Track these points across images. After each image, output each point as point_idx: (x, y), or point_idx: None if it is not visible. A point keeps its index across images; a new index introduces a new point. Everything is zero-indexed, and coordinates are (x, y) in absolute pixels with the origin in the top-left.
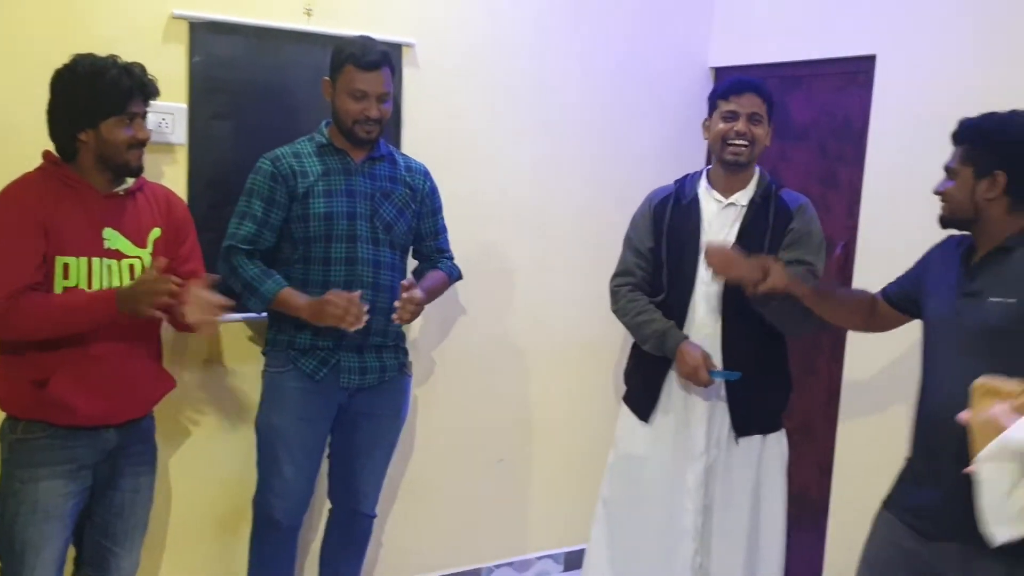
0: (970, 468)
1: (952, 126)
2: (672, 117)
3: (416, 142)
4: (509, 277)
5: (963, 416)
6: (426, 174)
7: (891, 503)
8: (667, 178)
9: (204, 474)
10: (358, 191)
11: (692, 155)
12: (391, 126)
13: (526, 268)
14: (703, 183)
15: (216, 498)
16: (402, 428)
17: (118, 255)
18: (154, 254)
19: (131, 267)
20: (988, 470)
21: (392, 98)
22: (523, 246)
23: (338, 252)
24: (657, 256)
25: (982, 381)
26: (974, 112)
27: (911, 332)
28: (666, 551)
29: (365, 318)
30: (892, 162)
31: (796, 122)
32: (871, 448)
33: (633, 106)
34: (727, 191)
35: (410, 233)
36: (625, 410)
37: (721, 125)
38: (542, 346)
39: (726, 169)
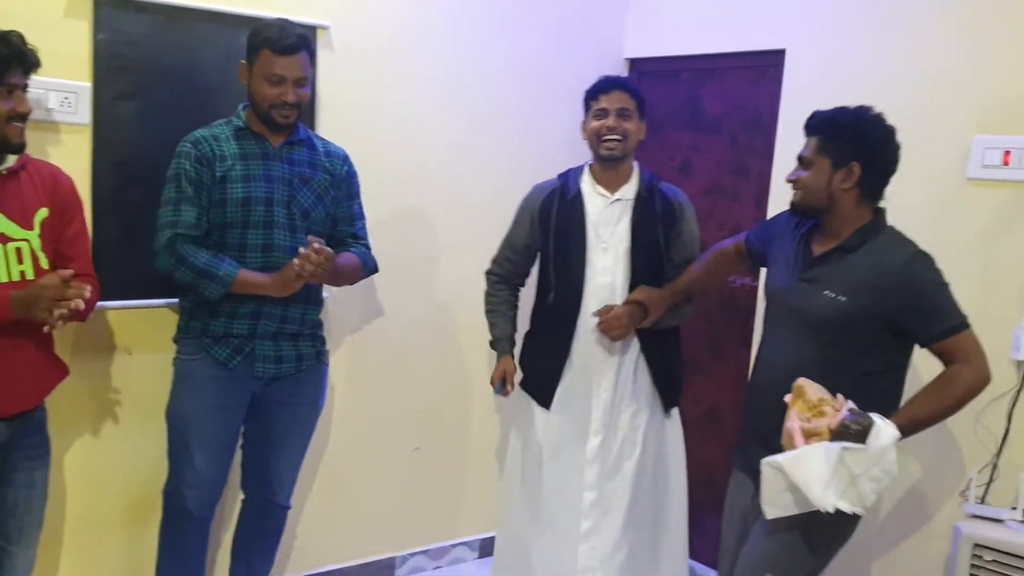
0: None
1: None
2: None
3: (332, 126)
4: (425, 263)
5: (787, 398)
6: (345, 159)
7: (735, 458)
8: None
9: (108, 465)
10: (276, 176)
11: None
12: (306, 109)
13: (442, 254)
14: (586, 178)
15: (122, 490)
16: (319, 417)
17: (3, 238)
18: (42, 235)
19: (18, 250)
20: (767, 472)
21: (310, 82)
22: (439, 232)
23: (254, 239)
24: (544, 254)
25: (800, 382)
26: (876, 106)
27: None
28: (564, 530)
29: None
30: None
31: (708, 114)
32: None
33: (549, 95)
34: (611, 186)
35: (328, 220)
36: (524, 396)
37: (593, 123)
38: (458, 333)
39: (603, 164)
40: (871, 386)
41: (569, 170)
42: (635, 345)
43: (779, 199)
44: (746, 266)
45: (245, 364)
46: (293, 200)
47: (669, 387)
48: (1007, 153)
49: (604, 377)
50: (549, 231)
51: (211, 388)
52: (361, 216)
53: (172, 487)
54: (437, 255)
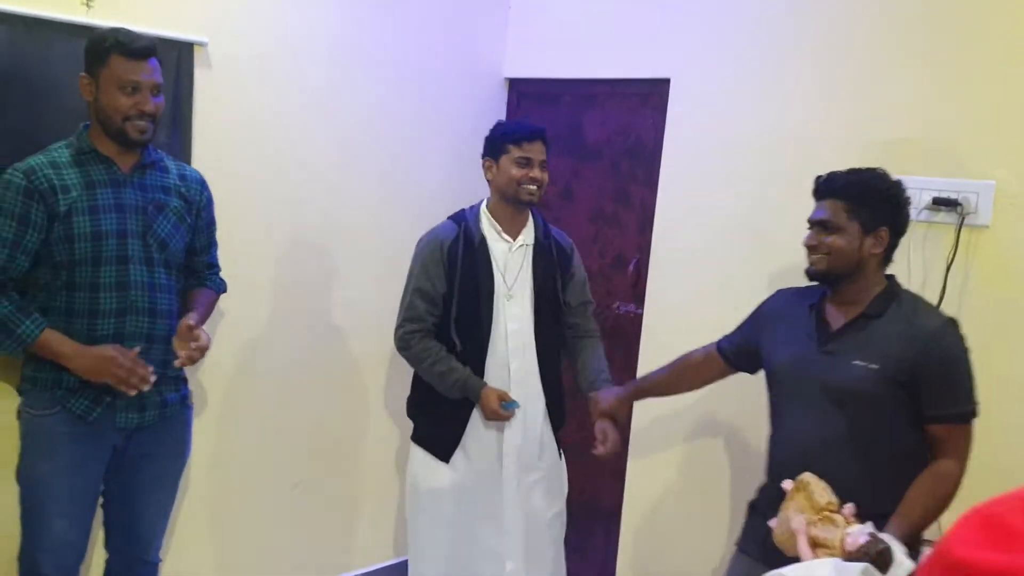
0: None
1: (737, 149)
2: (467, 125)
3: (208, 147)
4: (306, 288)
5: (785, 485)
6: (202, 184)
7: (744, 542)
8: (460, 187)
9: None
10: (128, 205)
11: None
12: (180, 129)
13: (318, 281)
14: (485, 223)
15: None
16: (186, 465)
17: None
18: None
19: None
20: None
21: (163, 93)
22: (315, 258)
23: (108, 276)
24: (448, 303)
25: (807, 477)
26: (760, 137)
27: (696, 342)
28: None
29: (153, 379)
30: (682, 182)
31: (590, 140)
32: (661, 456)
33: (427, 114)
34: (514, 231)
35: (184, 250)
36: (418, 450)
37: (515, 171)
38: (342, 361)
39: (517, 208)
40: (901, 470)
41: (462, 213)
42: (538, 391)
43: (664, 227)
44: (718, 372)
45: (106, 415)
46: (148, 230)
47: (559, 417)
48: None
49: (514, 423)
50: (455, 280)
51: (68, 446)
52: (216, 243)
53: (27, 554)
54: (312, 281)
